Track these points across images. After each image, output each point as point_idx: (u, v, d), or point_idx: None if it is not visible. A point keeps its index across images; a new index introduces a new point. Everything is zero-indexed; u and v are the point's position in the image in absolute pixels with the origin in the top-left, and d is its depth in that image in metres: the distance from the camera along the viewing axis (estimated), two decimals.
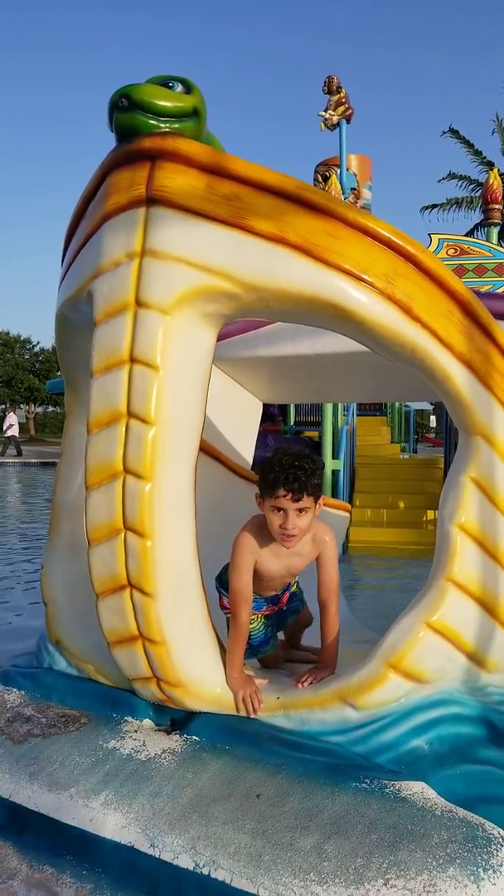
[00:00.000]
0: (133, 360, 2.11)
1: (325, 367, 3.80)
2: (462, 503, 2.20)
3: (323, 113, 13.50)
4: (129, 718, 2.45)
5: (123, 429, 2.12)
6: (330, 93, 13.73)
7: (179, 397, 2.13)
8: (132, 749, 2.27)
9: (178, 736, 2.33)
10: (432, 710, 2.15)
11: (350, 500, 10.44)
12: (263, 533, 2.42)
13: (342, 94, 13.66)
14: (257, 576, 2.48)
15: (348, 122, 13.48)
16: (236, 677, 2.35)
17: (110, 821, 2.00)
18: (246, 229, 2.07)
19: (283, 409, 13.56)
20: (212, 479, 3.79)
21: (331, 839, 1.80)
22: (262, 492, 2.37)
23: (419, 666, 2.14)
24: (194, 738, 2.30)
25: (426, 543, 9.87)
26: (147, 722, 2.44)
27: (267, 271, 2.06)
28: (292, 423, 13.68)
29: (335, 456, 9.45)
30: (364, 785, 2.00)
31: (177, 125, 2.17)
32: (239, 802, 1.98)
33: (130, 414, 2.11)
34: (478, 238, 10.06)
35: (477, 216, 22.48)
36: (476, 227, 21.80)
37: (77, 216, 2.48)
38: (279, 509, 2.32)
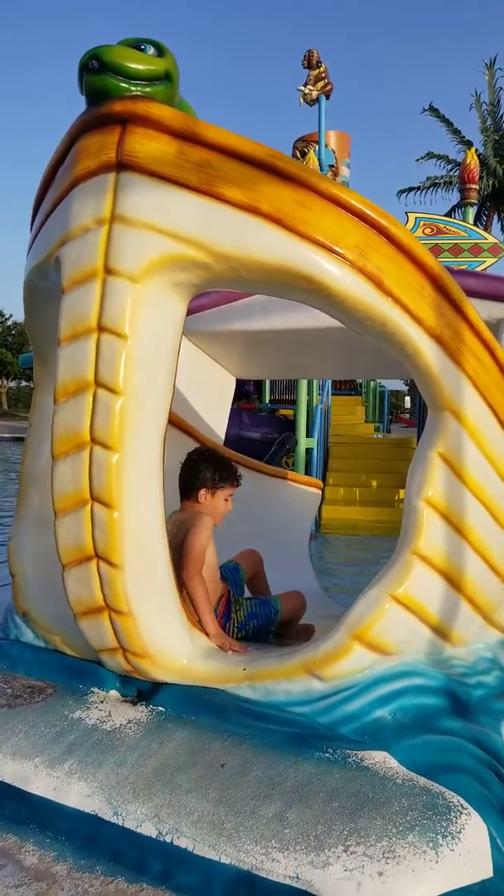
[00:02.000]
0: (101, 328, 2.07)
1: (298, 343, 3.79)
2: (429, 478, 2.21)
3: (302, 88, 13.35)
4: (96, 689, 2.45)
5: (91, 398, 2.09)
6: (310, 67, 13.57)
7: (148, 367, 2.11)
8: (98, 719, 2.27)
9: (144, 707, 2.33)
10: (396, 682, 2.17)
11: (323, 479, 10.50)
12: (210, 520, 2.83)
13: (322, 69, 13.50)
14: (209, 558, 2.76)
15: (328, 97, 13.35)
16: (216, 634, 2.55)
17: (74, 789, 2.00)
18: (217, 197, 2.03)
19: (258, 386, 13.53)
20: (182, 452, 3.77)
21: (292, 807, 1.83)
22: (220, 484, 2.92)
23: (383, 637, 2.16)
24: (160, 708, 2.31)
25: (398, 522, 9.93)
26: (113, 693, 2.44)
27: (238, 241, 2.03)
28: (267, 401, 13.67)
29: (309, 434, 9.49)
30: (327, 754, 2.03)
31: (148, 89, 2.11)
32: (203, 772, 1.99)
33: (98, 383, 2.08)
34: (455, 218, 10.06)
35: (455, 197, 22.48)
36: (454, 208, 21.81)
37: (45, 182, 2.42)
38: (229, 497, 2.97)
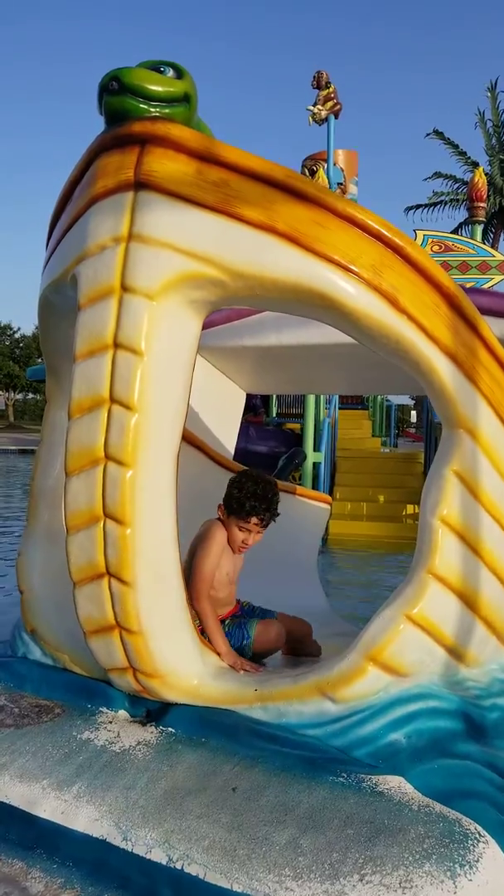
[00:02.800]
0: (117, 345, 2.07)
1: (309, 358, 3.79)
2: (444, 496, 2.19)
3: (311, 108, 13.46)
4: (104, 709, 2.42)
5: (105, 415, 2.08)
6: (319, 88, 13.71)
7: (163, 384, 2.10)
8: (106, 740, 2.25)
9: (153, 727, 2.30)
10: (411, 704, 2.14)
11: (330, 493, 10.46)
12: (224, 534, 2.77)
13: (331, 90, 13.63)
14: (222, 570, 2.74)
15: (336, 117, 13.46)
16: (227, 653, 2.51)
17: (83, 813, 1.97)
18: (234, 216, 2.04)
19: (266, 400, 13.52)
20: (193, 468, 3.76)
21: (306, 833, 1.79)
22: (231, 511, 2.76)
23: (398, 659, 2.13)
24: (170, 729, 2.28)
25: (405, 537, 9.94)
26: (122, 713, 2.41)
27: (254, 259, 2.04)
28: (274, 414, 13.66)
29: (316, 448, 9.47)
30: (341, 779, 1.99)
31: (167, 110, 2.12)
32: (214, 796, 1.96)
33: (113, 400, 2.07)
34: (462, 235, 10.08)
35: (461, 214, 22.61)
36: (461, 224, 21.89)
37: (63, 200, 2.43)
38: (246, 529, 2.76)
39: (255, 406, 13.44)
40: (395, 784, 1.98)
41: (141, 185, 2.08)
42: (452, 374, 2.18)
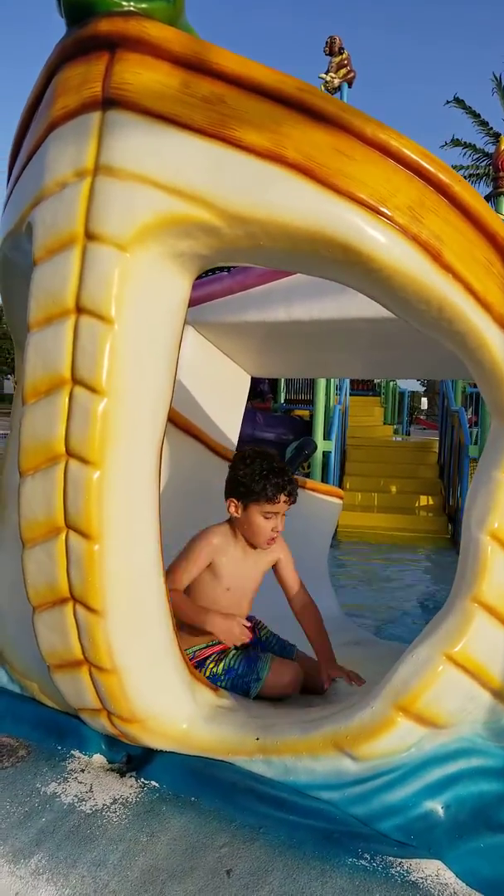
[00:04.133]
0: (80, 309, 1.62)
1: (322, 337, 3.33)
2: (496, 505, 1.74)
3: (324, 75, 12.91)
4: (77, 753, 2.00)
5: (66, 399, 1.64)
6: (332, 54, 13.15)
7: (140, 360, 1.66)
8: (76, 796, 1.83)
9: (133, 779, 1.88)
10: (450, 764, 1.71)
11: (340, 483, 10.04)
12: (228, 537, 2.41)
13: (344, 56, 13.09)
14: (220, 582, 2.35)
15: (350, 85, 12.94)
16: (214, 618, 2.20)
17: None
18: (231, 142, 1.59)
19: (273, 385, 13.08)
20: (191, 460, 3.33)
21: None
22: (249, 499, 2.33)
23: (436, 708, 1.70)
24: (153, 783, 1.86)
25: (418, 530, 9.51)
26: (98, 758, 1.99)
27: (257, 198, 1.59)
28: (283, 400, 13.21)
29: (327, 436, 9.01)
30: (364, 862, 1.57)
31: (144, 4, 1.65)
32: (204, 881, 1.54)
33: (75, 380, 1.63)
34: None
35: (482, 189, 21.90)
36: (485, 199, 21.24)
37: (20, 131, 1.98)
38: (271, 514, 2.34)
39: (262, 391, 13.00)
40: (432, 871, 1.55)
41: (111, 102, 1.63)
42: None
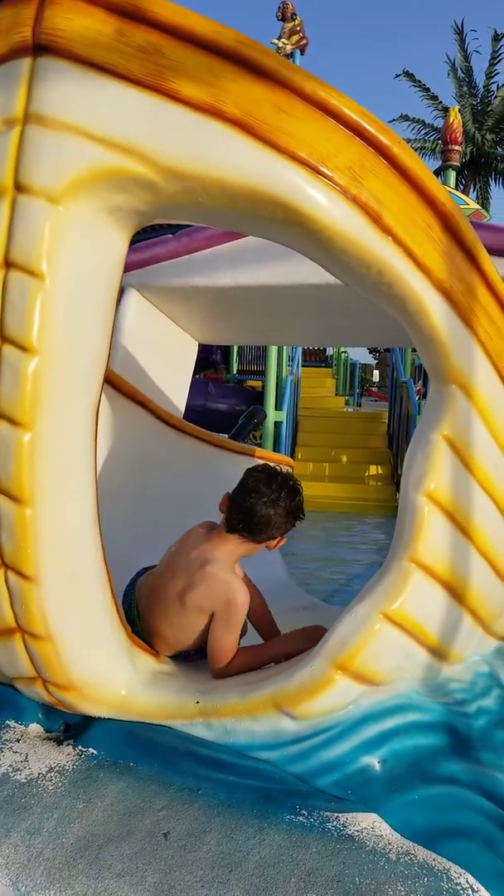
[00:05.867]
0: (8, 264, 1.55)
1: (270, 302, 3.31)
2: (432, 467, 1.77)
3: (276, 41, 12.69)
4: (12, 722, 1.98)
5: None
6: (284, 20, 12.94)
7: (73, 318, 1.60)
8: (10, 766, 1.81)
9: (70, 747, 1.87)
10: (387, 719, 1.75)
11: (292, 453, 10.10)
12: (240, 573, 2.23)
13: (297, 22, 12.91)
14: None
15: (302, 52, 12.77)
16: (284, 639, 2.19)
17: None
18: (168, 94, 1.53)
19: (226, 356, 13.01)
20: (137, 429, 3.28)
21: None
22: (268, 539, 2.15)
23: (373, 665, 1.73)
24: (91, 750, 1.85)
25: (368, 499, 9.66)
26: (34, 727, 1.97)
27: (195, 152, 1.54)
28: (235, 371, 13.16)
29: (278, 407, 9.04)
30: (301, 818, 1.60)
31: None
32: (141, 844, 1.55)
33: (4, 338, 1.56)
34: None
35: (431, 163, 21.98)
36: (433, 173, 21.33)
37: None
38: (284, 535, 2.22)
39: (214, 362, 12.94)
40: (368, 824, 1.59)
41: (41, 48, 1.54)
42: (446, 315, 1.73)
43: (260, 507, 2.06)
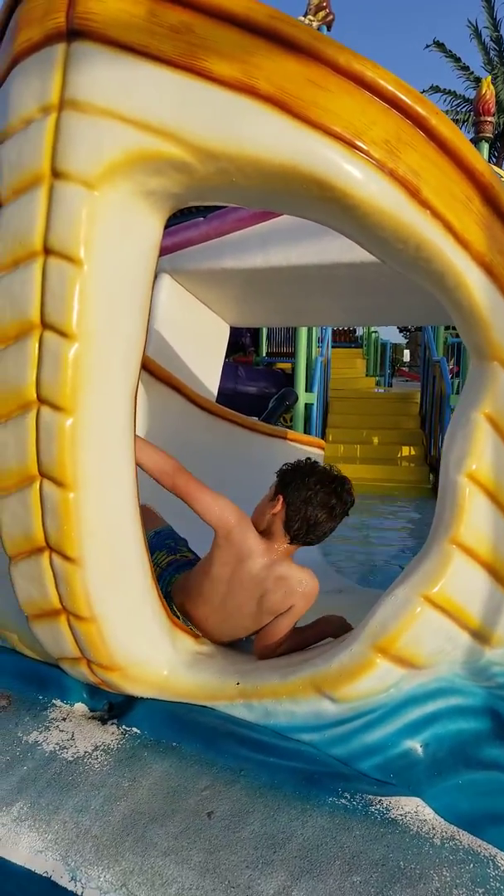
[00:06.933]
0: (48, 251, 1.56)
1: (301, 283, 3.28)
2: (474, 447, 1.73)
3: (303, 18, 12.45)
4: (58, 702, 2.02)
5: (36, 344, 1.59)
6: None
7: (111, 303, 1.60)
8: (58, 744, 1.84)
9: (114, 727, 1.90)
10: (429, 703, 1.74)
11: (322, 436, 10.05)
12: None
13: None
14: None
15: (329, 28, 12.46)
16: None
17: (24, 842, 1.58)
18: (201, 73, 1.52)
19: (255, 339, 12.95)
20: (172, 413, 3.30)
21: (300, 881, 1.40)
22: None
23: (415, 648, 1.72)
24: (134, 730, 1.88)
25: (400, 481, 9.57)
26: (79, 706, 2.01)
27: (229, 132, 1.52)
28: (264, 353, 13.10)
29: (309, 389, 8.96)
30: (343, 801, 1.60)
31: None
32: (185, 823, 1.57)
33: (45, 324, 1.57)
34: None
35: (466, 135, 21.45)
36: None
37: None
38: None
39: (244, 345, 12.88)
40: (412, 808, 1.59)
41: (75, 33, 1.55)
42: (487, 289, 1.69)
43: (328, 523, 2.08)
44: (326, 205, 1.59)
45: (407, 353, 29.26)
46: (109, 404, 1.64)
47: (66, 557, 1.67)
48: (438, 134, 1.61)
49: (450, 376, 9.00)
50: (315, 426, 9.18)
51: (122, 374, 1.66)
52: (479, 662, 1.88)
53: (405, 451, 10.21)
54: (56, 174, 1.56)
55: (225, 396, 5.18)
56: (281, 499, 2.06)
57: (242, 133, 1.51)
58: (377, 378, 16.04)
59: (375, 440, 10.53)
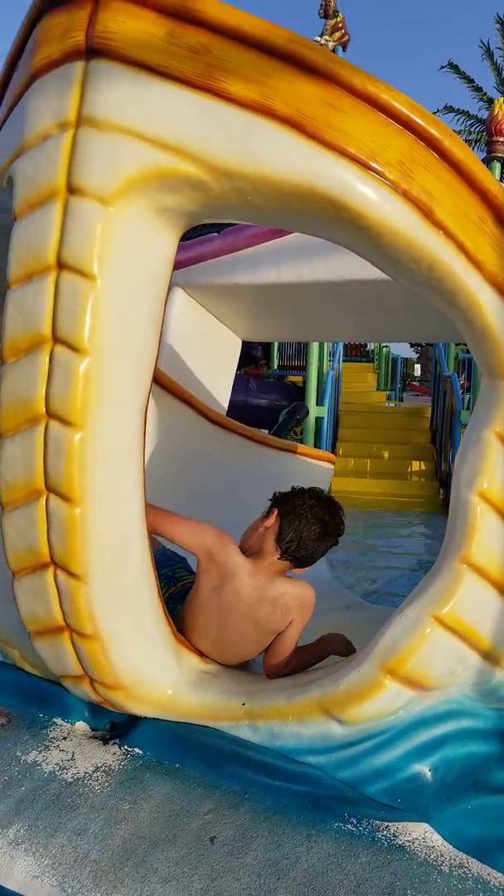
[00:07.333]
0: (61, 265, 1.56)
1: (313, 299, 3.28)
2: (485, 465, 1.71)
3: (318, 38, 12.58)
4: (59, 720, 1.99)
5: (47, 358, 1.58)
6: (326, 17, 12.83)
7: (123, 318, 1.60)
8: (57, 764, 1.82)
9: (116, 747, 1.88)
10: (438, 726, 1.71)
11: (333, 449, 10.03)
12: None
13: (339, 19, 12.75)
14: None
15: (344, 49, 12.61)
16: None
17: (19, 866, 1.55)
18: (218, 94, 1.52)
19: (267, 351, 12.98)
20: (182, 426, 3.29)
21: None
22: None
23: (424, 670, 1.69)
24: (136, 750, 1.85)
25: (410, 496, 9.54)
26: (80, 725, 1.98)
27: (245, 151, 1.53)
28: (276, 366, 13.12)
29: (319, 402, 8.97)
30: (350, 826, 1.57)
31: None
32: (187, 848, 1.54)
33: (56, 339, 1.57)
34: None
35: (476, 155, 21.53)
36: None
37: (2, 83, 1.89)
38: None
39: (255, 357, 12.90)
40: (419, 834, 1.56)
41: (94, 52, 1.55)
42: (499, 309, 1.68)
43: (320, 541, 2.04)
44: (341, 224, 1.59)
45: (418, 367, 29.22)
46: (119, 419, 1.63)
47: (70, 574, 1.65)
48: (452, 155, 1.61)
49: (461, 392, 8.97)
50: (325, 440, 9.17)
51: (133, 389, 1.65)
52: (489, 684, 1.85)
53: (415, 465, 10.19)
54: (71, 190, 1.56)
55: (236, 408, 5.18)
56: (275, 512, 2.06)
57: (259, 153, 1.52)
58: (388, 392, 16.03)
59: (386, 454, 10.51)
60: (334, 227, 1.63)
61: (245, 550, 2.06)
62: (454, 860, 1.50)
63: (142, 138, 1.54)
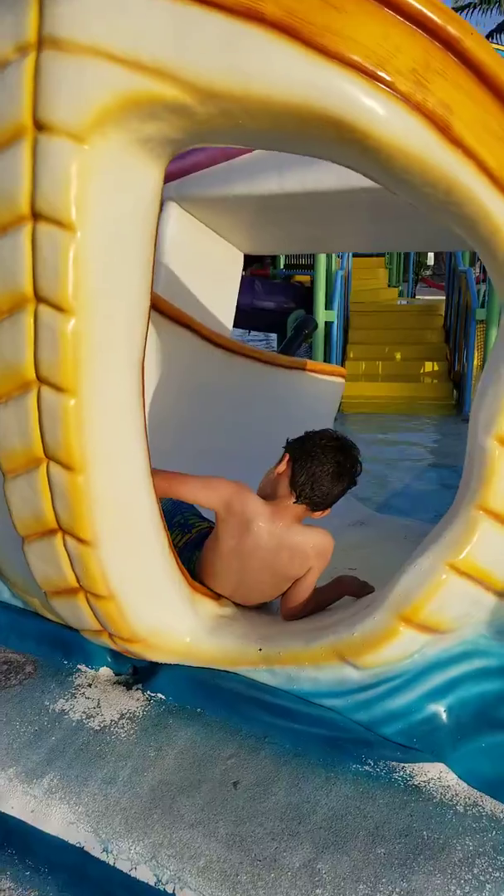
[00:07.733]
0: (35, 215, 1.42)
1: (319, 209, 3.06)
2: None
3: None
4: (83, 667, 2.03)
5: (31, 319, 1.48)
6: None
7: (110, 268, 1.48)
8: (84, 712, 1.86)
9: (139, 692, 1.91)
10: (453, 667, 1.71)
11: (343, 353, 9.84)
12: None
13: None
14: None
15: None
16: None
17: (56, 814, 1.61)
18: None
19: None
20: (184, 353, 3.17)
21: (325, 853, 1.42)
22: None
23: (439, 616, 1.67)
24: (159, 695, 1.89)
25: (423, 398, 9.42)
26: (104, 671, 2.02)
27: (231, 67, 1.34)
28: (282, 266, 12.70)
29: (328, 306, 8.69)
30: (367, 768, 1.61)
31: None
32: (211, 794, 1.59)
33: (38, 297, 1.46)
34: (497, 43, 8.60)
35: (492, 19, 19.86)
36: (491, 32, 19.30)
37: None
38: None
39: (260, 257, 12.45)
40: (435, 774, 1.59)
41: None
42: None
43: (335, 482, 1.99)
44: (345, 147, 1.42)
45: (431, 255, 28.13)
46: (115, 379, 1.54)
47: (79, 540, 1.62)
48: (473, 58, 1.40)
49: (476, 286, 8.66)
50: (336, 344, 8.96)
51: (125, 344, 1.55)
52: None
53: (428, 366, 10.01)
54: (39, 126, 1.40)
55: (242, 313, 4.97)
56: (287, 457, 2.01)
57: (247, 68, 1.33)
58: (400, 288, 15.55)
59: (398, 356, 10.31)
60: (338, 149, 1.46)
61: (262, 495, 2.02)
62: (468, 799, 1.53)
63: (113, 59, 1.35)
